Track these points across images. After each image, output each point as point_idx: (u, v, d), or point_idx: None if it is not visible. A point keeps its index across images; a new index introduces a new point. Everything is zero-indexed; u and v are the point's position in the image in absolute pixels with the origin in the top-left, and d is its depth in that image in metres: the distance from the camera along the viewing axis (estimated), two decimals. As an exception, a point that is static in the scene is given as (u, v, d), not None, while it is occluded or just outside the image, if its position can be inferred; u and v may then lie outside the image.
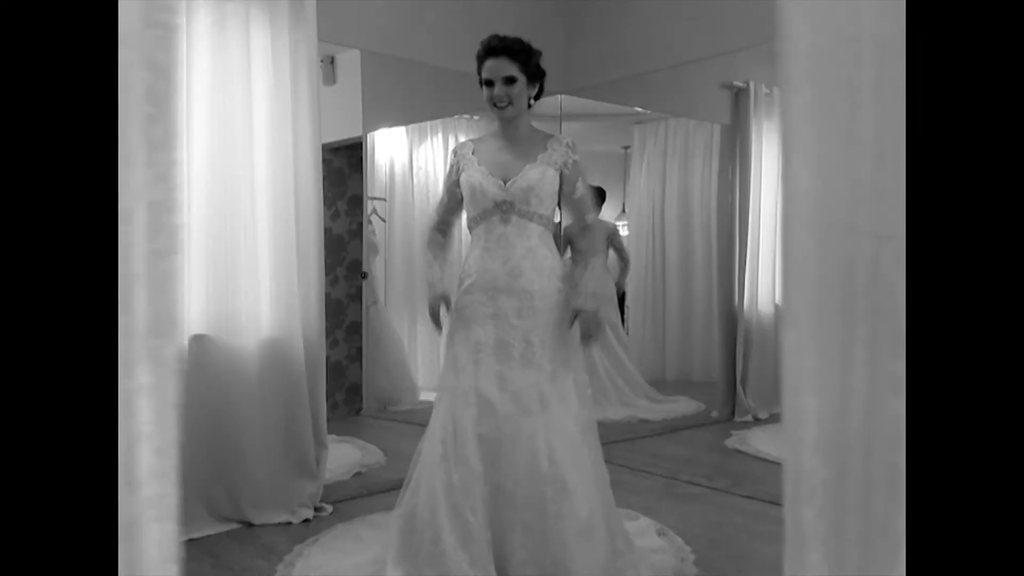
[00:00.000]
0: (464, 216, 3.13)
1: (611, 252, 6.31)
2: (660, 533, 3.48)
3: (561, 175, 3.02)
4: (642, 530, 3.51)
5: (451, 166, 3.14)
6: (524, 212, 2.96)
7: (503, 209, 2.95)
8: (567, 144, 3.04)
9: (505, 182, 2.96)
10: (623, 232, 6.62)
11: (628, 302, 6.39)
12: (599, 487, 2.91)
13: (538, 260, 2.97)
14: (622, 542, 2.96)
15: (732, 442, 5.10)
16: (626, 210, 6.72)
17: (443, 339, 3.09)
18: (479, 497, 2.79)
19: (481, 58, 3.00)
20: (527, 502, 2.78)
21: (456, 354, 2.95)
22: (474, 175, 3.00)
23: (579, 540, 2.75)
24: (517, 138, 3.05)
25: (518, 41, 3.01)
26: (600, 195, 6.24)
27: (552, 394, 2.88)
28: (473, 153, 3.07)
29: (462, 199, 3.11)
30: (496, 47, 2.98)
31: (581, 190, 3.07)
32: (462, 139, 3.19)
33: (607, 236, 6.28)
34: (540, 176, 2.97)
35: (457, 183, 3.09)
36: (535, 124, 3.11)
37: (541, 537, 2.75)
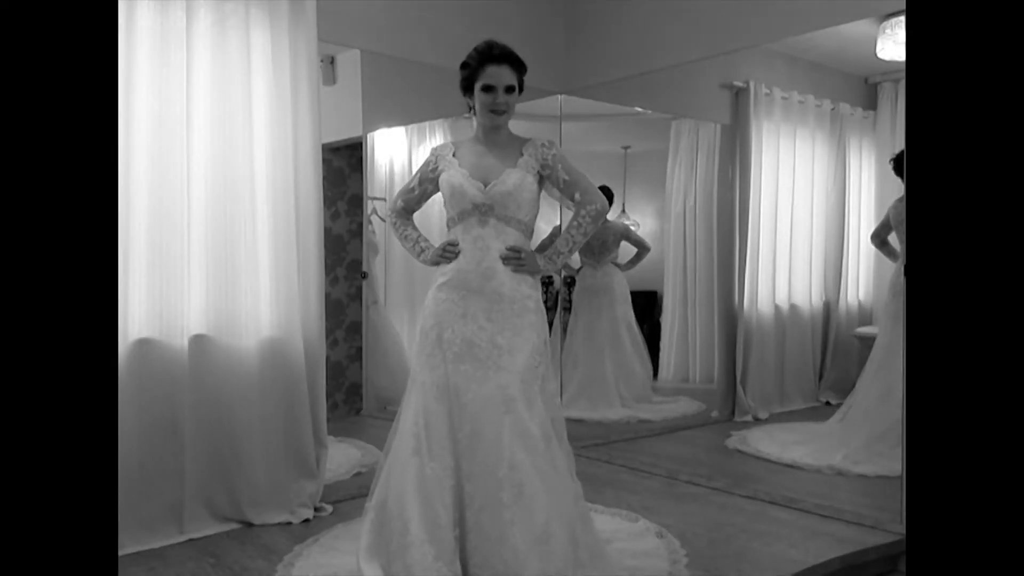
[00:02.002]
0: (444, 215, 3.17)
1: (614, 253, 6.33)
2: (659, 535, 3.48)
3: (542, 177, 3.09)
4: (640, 532, 3.51)
5: (427, 162, 3.21)
6: (502, 216, 3.01)
7: (482, 211, 3.00)
8: (542, 144, 3.09)
9: (485, 185, 3.01)
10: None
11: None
12: (562, 495, 2.90)
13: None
14: (586, 553, 2.92)
15: (732, 442, 5.09)
16: (626, 209, 6.72)
17: (417, 334, 3.12)
18: (450, 492, 2.82)
19: (479, 64, 3.02)
20: (483, 504, 2.79)
21: (429, 350, 2.98)
22: (455, 176, 3.05)
23: (534, 547, 2.73)
24: (499, 143, 3.11)
25: (515, 53, 3.07)
26: (608, 195, 6.23)
27: (518, 398, 2.87)
28: (454, 155, 3.12)
29: (430, 195, 3.24)
30: (500, 55, 3.02)
31: (564, 175, 3.08)
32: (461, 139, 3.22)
33: (620, 235, 6.29)
34: (519, 182, 3.01)
35: (433, 180, 3.17)
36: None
37: (496, 541, 2.74)
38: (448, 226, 3.12)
